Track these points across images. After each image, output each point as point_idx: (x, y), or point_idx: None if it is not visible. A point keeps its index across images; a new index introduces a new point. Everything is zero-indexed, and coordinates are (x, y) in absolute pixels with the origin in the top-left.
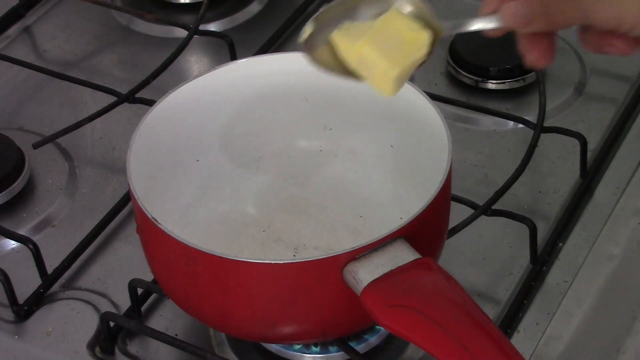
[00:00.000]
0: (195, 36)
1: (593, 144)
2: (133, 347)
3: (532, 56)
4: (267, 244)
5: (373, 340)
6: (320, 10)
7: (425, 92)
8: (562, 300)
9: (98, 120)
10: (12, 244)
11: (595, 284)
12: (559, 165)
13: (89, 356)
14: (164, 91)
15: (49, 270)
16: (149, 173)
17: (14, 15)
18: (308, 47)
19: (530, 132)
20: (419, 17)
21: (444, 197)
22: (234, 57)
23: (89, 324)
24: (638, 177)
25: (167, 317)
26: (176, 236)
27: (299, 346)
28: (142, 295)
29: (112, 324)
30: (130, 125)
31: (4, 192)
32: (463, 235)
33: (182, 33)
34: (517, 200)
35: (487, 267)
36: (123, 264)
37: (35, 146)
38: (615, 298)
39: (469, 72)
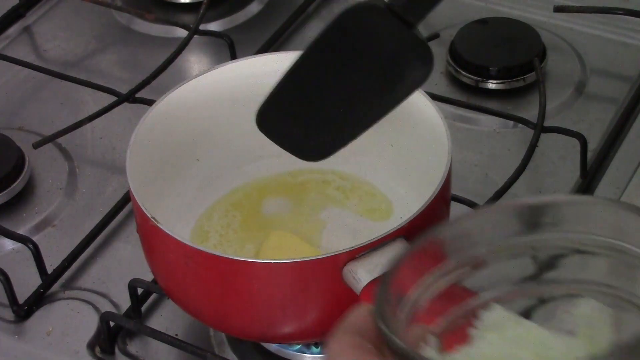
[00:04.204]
0: (195, 36)
1: (593, 144)
2: (133, 347)
3: None
4: None
5: None
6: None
7: (425, 92)
8: None
9: (98, 120)
10: (12, 244)
11: None
12: (559, 165)
13: (89, 356)
14: (164, 91)
15: (49, 270)
16: (149, 173)
17: (14, 15)
18: None
19: (530, 132)
20: None
21: (444, 197)
22: (234, 57)
23: (89, 324)
24: (638, 177)
25: (167, 317)
26: (176, 236)
27: (298, 346)
28: (142, 295)
29: (112, 323)
30: (130, 125)
31: (4, 192)
32: None
33: (182, 33)
34: None
35: None
36: (123, 264)
37: (35, 146)
38: None
39: (469, 72)
